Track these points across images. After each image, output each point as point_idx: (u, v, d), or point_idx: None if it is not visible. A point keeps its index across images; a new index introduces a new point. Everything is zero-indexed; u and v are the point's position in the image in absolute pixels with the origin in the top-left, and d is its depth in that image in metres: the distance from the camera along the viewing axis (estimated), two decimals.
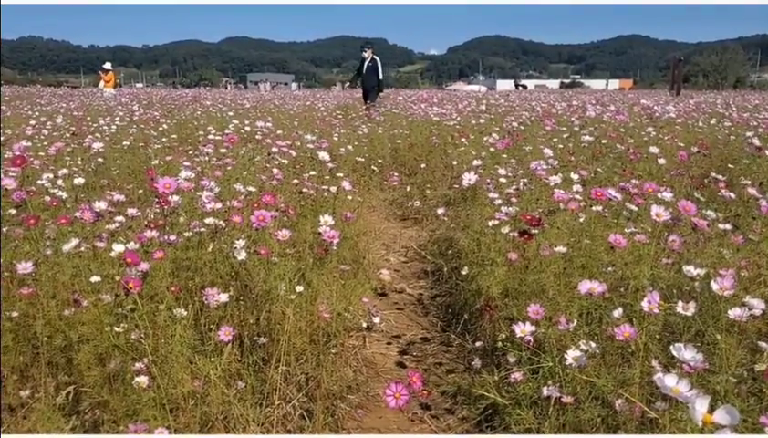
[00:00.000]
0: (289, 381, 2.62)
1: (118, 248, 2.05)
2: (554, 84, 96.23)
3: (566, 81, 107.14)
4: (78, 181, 2.96)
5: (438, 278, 4.53)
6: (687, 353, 1.25)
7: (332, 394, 2.73)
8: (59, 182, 3.01)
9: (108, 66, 20.73)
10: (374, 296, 4.15)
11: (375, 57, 12.61)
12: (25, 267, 2.27)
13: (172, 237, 2.36)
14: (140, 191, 4.64)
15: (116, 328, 1.93)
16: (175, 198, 2.77)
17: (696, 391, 1.10)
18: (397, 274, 4.73)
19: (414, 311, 4.01)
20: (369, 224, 5.61)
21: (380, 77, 12.87)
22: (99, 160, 4.81)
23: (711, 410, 1.03)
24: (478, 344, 3.02)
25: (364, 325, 3.32)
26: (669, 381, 1.12)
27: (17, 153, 3.18)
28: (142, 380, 1.72)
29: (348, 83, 16.00)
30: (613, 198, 2.61)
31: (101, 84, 20.31)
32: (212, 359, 2.04)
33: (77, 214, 2.39)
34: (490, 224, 3.18)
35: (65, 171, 3.21)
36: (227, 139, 3.52)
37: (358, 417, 2.72)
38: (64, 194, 2.89)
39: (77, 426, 2.05)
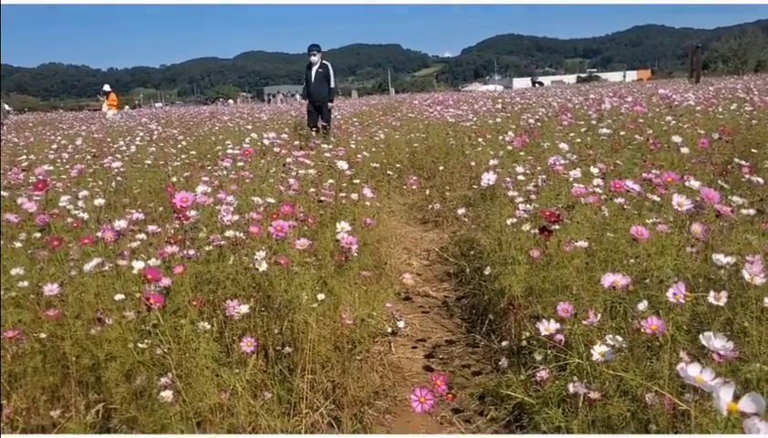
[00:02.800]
0: (315, 390, 2.62)
1: (138, 265, 2.08)
2: (570, 79, 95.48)
3: (583, 75, 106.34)
4: (99, 202, 3.00)
5: (461, 280, 4.50)
6: (717, 342, 1.22)
7: (359, 401, 2.73)
8: (80, 203, 3.06)
9: (107, 88, 20.51)
10: (398, 300, 4.14)
11: (326, 61, 10.25)
12: (51, 289, 2.30)
13: (192, 252, 2.38)
14: (161, 208, 4.69)
15: (140, 345, 1.94)
16: (194, 213, 2.80)
17: (720, 380, 1.07)
18: (420, 277, 4.72)
19: (439, 314, 3.99)
20: (390, 229, 5.60)
21: (332, 85, 10.29)
22: (119, 179, 4.87)
23: (737, 398, 1.01)
24: (504, 344, 3.00)
25: (389, 330, 3.30)
26: (693, 371, 1.10)
27: (40, 177, 3.24)
28: (167, 394, 1.73)
29: (301, 96, 11.70)
30: (632, 190, 2.57)
31: (104, 107, 20.17)
32: (237, 370, 2.04)
33: (99, 234, 2.42)
34: (509, 222, 3.16)
35: (86, 192, 3.26)
36: (243, 152, 3.54)
37: (387, 423, 2.71)
38: (86, 216, 2.93)
39: None
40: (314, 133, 8.53)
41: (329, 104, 10.29)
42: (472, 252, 4.53)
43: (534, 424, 2.44)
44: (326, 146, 6.20)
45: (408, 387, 2.99)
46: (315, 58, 10.07)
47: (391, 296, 4.01)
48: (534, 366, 2.47)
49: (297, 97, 11.43)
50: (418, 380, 3.08)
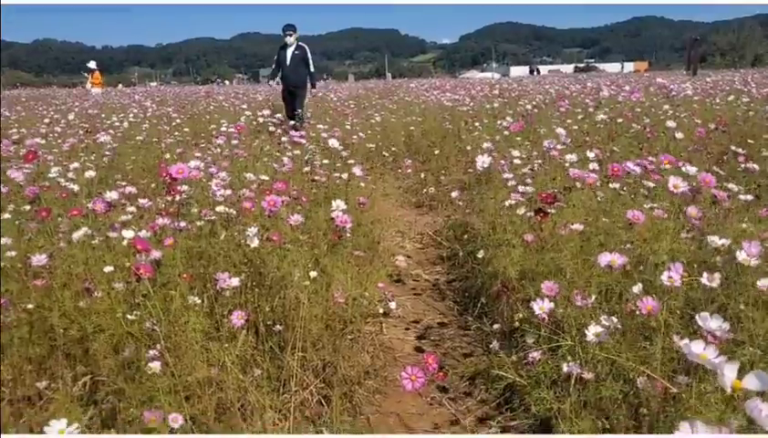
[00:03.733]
0: (306, 368, 2.61)
1: (127, 234, 2.04)
2: (568, 69, 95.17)
3: (581, 65, 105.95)
4: (90, 174, 2.96)
5: (454, 263, 4.49)
6: (713, 322, 1.21)
7: (349, 380, 2.71)
8: (70, 174, 3.02)
9: (92, 64, 19.79)
10: (390, 282, 4.12)
11: (302, 43, 9.50)
12: (39, 260, 2.27)
13: (183, 224, 2.35)
14: (153, 185, 4.64)
15: (129, 316, 1.92)
16: (185, 188, 2.77)
17: (724, 357, 1.06)
18: (412, 260, 4.70)
19: (431, 296, 3.98)
20: (384, 212, 5.57)
21: (311, 69, 9.48)
22: (107, 153, 4.81)
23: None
24: (496, 327, 2.98)
25: (381, 311, 3.29)
26: (696, 348, 1.08)
27: (29, 149, 3.19)
28: (155, 365, 1.71)
29: (268, 78, 10.50)
30: (631, 171, 2.55)
31: (88, 84, 19.56)
32: (227, 345, 2.02)
33: (90, 206, 2.39)
34: (505, 203, 3.14)
35: (77, 164, 3.21)
36: (236, 127, 3.50)
37: (377, 402, 2.70)
38: (76, 188, 2.89)
39: (94, 416, 2.05)
40: (291, 124, 7.17)
41: (313, 89, 9.82)
42: (465, 236, 4.52)
43: (524, 406, 2.44)
44: (321, 126, 6.11)
45: (398, 368, 2.98)
46: (290, 39, 9.39)
47: (384, 277, 3.99)
48: (525, 349, 2.46)
49: (270, 81, 10.12)
50: (409, 361, 3.07)
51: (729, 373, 0.99)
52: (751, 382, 0.98)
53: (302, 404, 2.50)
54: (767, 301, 1.94)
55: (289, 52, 9.39)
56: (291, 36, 9.38)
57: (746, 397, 1.04)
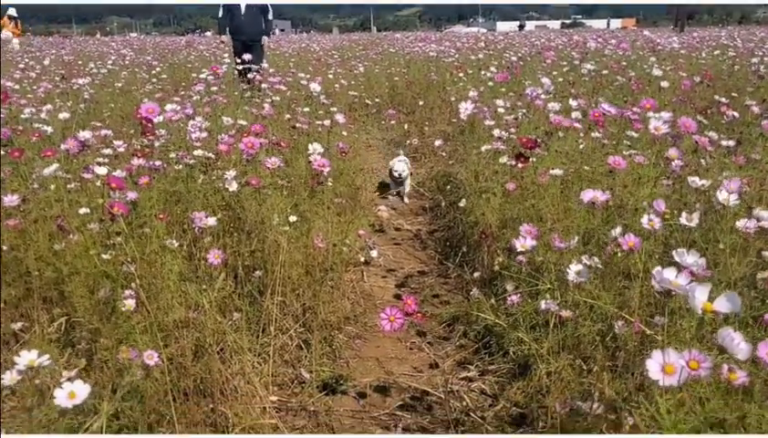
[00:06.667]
0: (286, 313, 2.60)
1: (100, 171, 1.99)
2: (554, 24, 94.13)
3: (567, 21, 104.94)
4: (64, 115, 2.88)
5: (436, 214, 4.48)
6: (689, 258, 1.20)
7: (329, 325, 2.72)
8: (43, 115, 2.93)
9: (13, 12, 17.36)
10: (372, 232, 4.11)
11: None
12: (11, 200, 2.22)
13: (158, 163, 2.30)
14: (132, 131, 4.55)
15: (104, 256, 1.89)
16: (162, 132, 2.70)
17: (696, 283, 1.05)
18: (395, 211, 4.68)
19: (412, 246, 3.98)
20: (367, 163, 5.54)
21: (270, 17, 7.89)
22: (86, 97, 4.69)
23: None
24: (476, 275, 2.99)
25: (362, 259, 3.28)
26: (669, 274, 1.08)
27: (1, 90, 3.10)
28: (129, 302, 1.69)
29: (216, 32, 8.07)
30: (608, 112, 2.53)
31: (4, 32, 16.71)
32: (204, 287, 2.00)
33: (63, 146, 2.33)
34: (484, 148, 3.12)
35: (50, 106, 3.12)
36: (212, 69, 3.41)
37: (356, 347, 2.72)
38: (50, 129, 2.82)
39: (71, 355, 2.03)
40: (244, 86, 5.68)
41: (266, 41, 7.91)
42: (448, 186, 4.50)
43: (502, 350, 2.47)
44: (302, 75, 5.88)
45: (378, 314, 2.99)
46: None
47: (366, 226, 3.98)
48: (505, 296, 2.48)
49: (221, 37, 7.63)
50: None
51: (699, 295, 0.99)
52: (722, 304, 0.98)
53: (282, 348, 2.51)
54: (745, 246, 1.96)
55: (244, 1, 7.68)
56: None
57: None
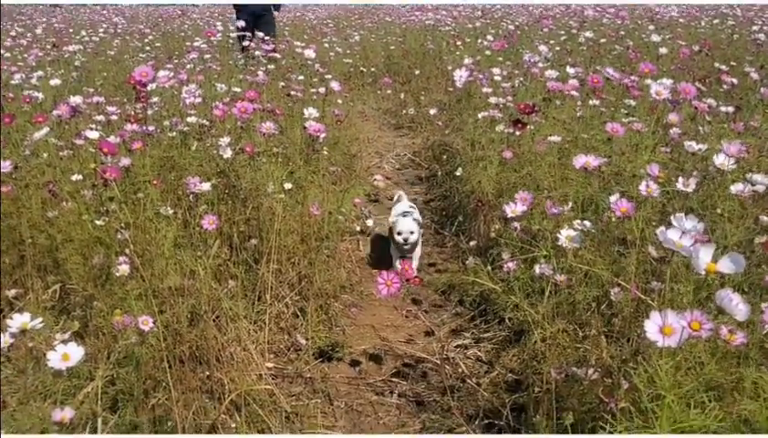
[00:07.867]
0: (281, 281, 2.59)
1: (92, 135, 1.97)
2: None
3: None
4: (55, 82, 2.83)
5: (432, 184, 4.47)
6: (688, 222, 1.19)
7: (325, 293, 2.71)
8: (34, 81, 2.89)
9: None
10: (367, 201, 4.09)
11: None
12: (3, 166, 2.19)
13: (152, 128, 2.27)
14: (125, 100, 4.50)
15: (97, 222, 1.87)
16: (156, 99, 2.67)
17: (699, 244, 1.04)
18: (390, 181, 4.67)
19: None
20: (363, 133, 5.50)
21: None
22: (77, 64, 4.62)
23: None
24: (472, 243, 2.99)
25: (357, 229, 3.27)
26: (673, 235, 1.07)
27: None
28: (124, 268, 1.68)
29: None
30: (610, 77, 2.50)
31: None
32: (199, 254, 1.99)
33: (54, 112, 2.29)
34: (481, 115, 3.09)
35: (41, 73, 3.07)
36: (205, 33, 3.35)
37: (352, 315, 2.72)
38: (41, 95, 2.77)
39: (66, 322, 2.02)
40: (243, 61, 4.81)
41: (276, 13, 6.63)
42: (444, 156, 4.48)
43: (498, 317, 2.47)
44: (298, 43, 5.62)
45: (374, 283, 2.99)
46: None
47: (361, 195, 3.97)
48: (501, 264, 2.47)
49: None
50: None
51: (703, 256, 0.98)
52: (725, 265, 0.97)
53: (277, 316, 2.50)
54: (741, 213, 1.95)
55: None
56: None
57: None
